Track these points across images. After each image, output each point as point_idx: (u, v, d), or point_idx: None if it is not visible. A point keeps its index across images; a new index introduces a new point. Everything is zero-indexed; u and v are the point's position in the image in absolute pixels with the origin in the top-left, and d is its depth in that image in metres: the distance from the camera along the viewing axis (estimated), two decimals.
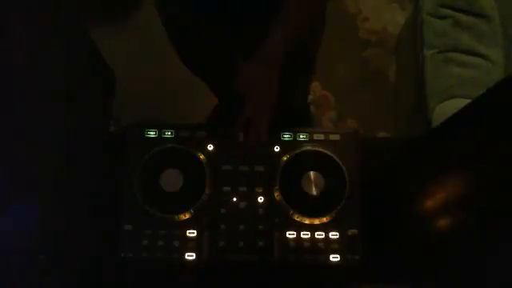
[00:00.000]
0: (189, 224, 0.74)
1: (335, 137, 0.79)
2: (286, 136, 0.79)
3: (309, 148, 0.78)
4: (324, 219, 0.75)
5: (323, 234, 0.75)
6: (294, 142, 0.79)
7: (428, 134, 0.89)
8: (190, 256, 0.74)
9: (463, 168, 0.61)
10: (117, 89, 1.29)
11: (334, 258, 0.74)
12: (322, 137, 0.79)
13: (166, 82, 1.58)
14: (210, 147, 0.78)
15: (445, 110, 1.07)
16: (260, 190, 0.77)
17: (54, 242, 0.76)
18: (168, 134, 0.79)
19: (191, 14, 0.93)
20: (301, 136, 0.79)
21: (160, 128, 0.79)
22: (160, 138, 0.78)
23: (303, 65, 1.08)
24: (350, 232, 0.75)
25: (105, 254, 0.75)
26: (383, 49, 1.74)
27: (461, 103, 0.84)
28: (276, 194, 0.76)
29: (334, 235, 0.75)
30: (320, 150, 0.78)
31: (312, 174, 0.76)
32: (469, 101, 0.60)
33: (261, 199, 0.76)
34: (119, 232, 0.74)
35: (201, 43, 1.02)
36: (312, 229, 0.75)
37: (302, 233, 0.75)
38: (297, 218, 0.75)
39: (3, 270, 0.70)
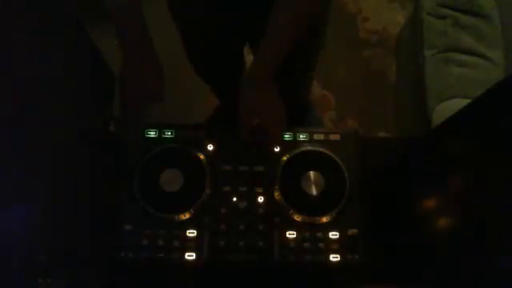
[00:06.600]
0: (189, 224, 0.74)
1: (335, 137, 0.79)
2: (286, 136, 0.79)
3: (309, 148, 0.78)
4: (324, 219, 0.75)
5: (323, 234, 0.75)
6: (294, 142, 0.79)
7: (428, 133, 0.89)
8: (190, 256, 0.74)
9: (463, 168, 0.61)
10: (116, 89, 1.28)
11: (334, 257, 0.74)
12: (321, 137, 0.79)
13: (165, 82, 1.58)
14: (210, 147, 0.78)
15: (445, 109, 1.07)
16: (260, 190, 0.77)
17: (54, 241, 0.76)
18: (168, 134, 0.79)
19: (205, 12, 0.93)
20: (301, 136, 0.79)
21: (160, 128, 0.79)
22: (160, 138, 0.78)
23: (305, 62, 1.07)
24: (350, 232, 0.75)
25: (105, 254, 0.75)
26: (383, 49, 1.74)
27: (461, 103, 0.84)
28: (276, 194, 0.76)
29: (334, 235, 0.75)
30: (320, 149, 0.78)
31: (312, 173, 0.76)
32: (469, 101, 0.60)
33: (261, 199, 0.76)
34: (119, 232, 0.74)
35: (214, 42, 1.02)
36: (312, 229, 0.75)
37: (301, 233, 0.75)
38: (297, 218, 0.75)
39: (3, 270, 0.69)
